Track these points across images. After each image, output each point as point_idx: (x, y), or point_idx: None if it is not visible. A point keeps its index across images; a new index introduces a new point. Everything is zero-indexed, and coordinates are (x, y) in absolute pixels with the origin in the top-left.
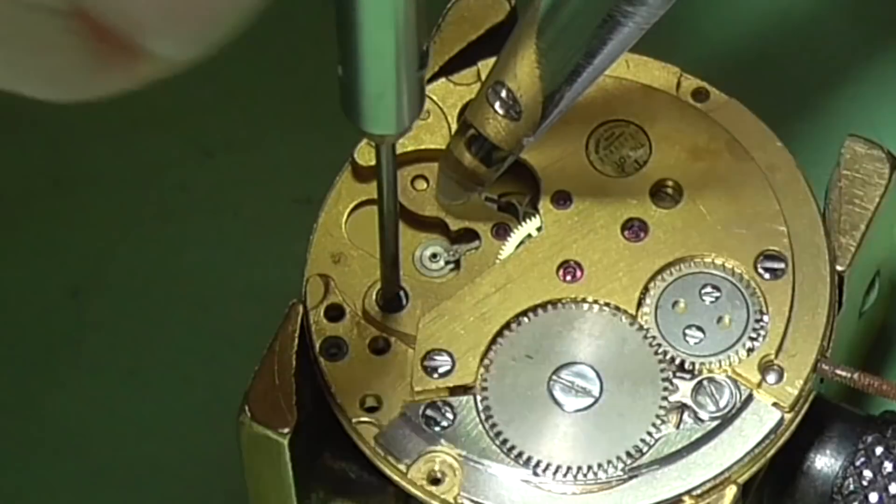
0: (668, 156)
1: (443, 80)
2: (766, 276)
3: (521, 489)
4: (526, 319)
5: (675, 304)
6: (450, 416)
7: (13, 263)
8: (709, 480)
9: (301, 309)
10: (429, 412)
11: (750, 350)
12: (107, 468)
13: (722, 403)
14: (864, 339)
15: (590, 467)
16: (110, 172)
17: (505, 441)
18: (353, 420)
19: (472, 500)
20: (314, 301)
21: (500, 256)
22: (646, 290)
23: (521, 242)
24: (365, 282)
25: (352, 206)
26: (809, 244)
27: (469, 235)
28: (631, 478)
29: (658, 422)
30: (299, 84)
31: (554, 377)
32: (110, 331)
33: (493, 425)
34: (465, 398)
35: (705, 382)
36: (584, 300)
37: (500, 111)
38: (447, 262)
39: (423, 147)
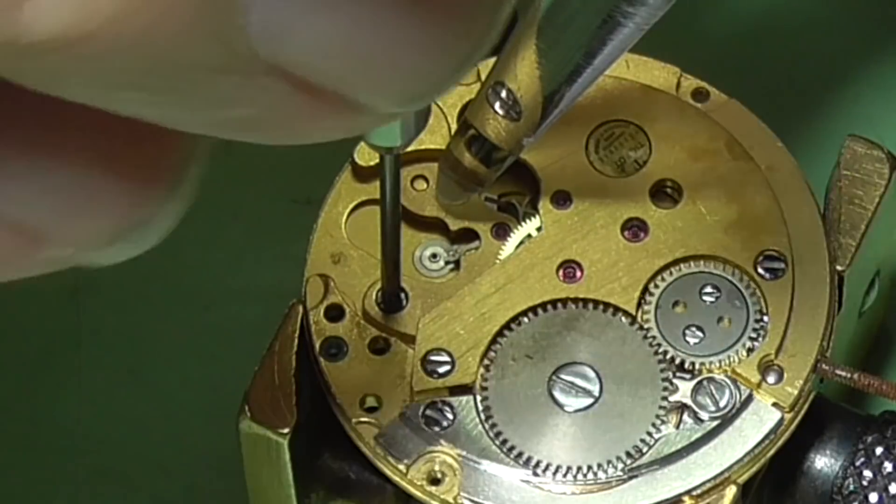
0: (667, 156)
1: None
2: (766, 276)
3: (520, 489)
4: (526, 319)
5: (674, 304)
6: (450, 416)
7: None
8: (709, 480)
9: (301, 309)
10: (429, 412)
11: (750, 350)
12: (107, 468)
13: (722, 403)
14: (864, 339)
15: (589, 467)
16: None
17: (505, 441)
18: (353, 420)
19: (471, 501)
20: (314, 301)
21: (500, 256)
22: (645, 290)
23: (521, 242)
24: (365, 282)
25: (352, 206)
26: (809, 244)
27: (469, 235)
28: (631, 478)
29: (658, 422)
30: None
31: (554, 377)
32: (110, 331)
33: (493, 425)
34: (464, 398)
35: (705, 382)
36: (583, 300)
37: (501, 111)
38: (447, 263)
39: (422, 147)
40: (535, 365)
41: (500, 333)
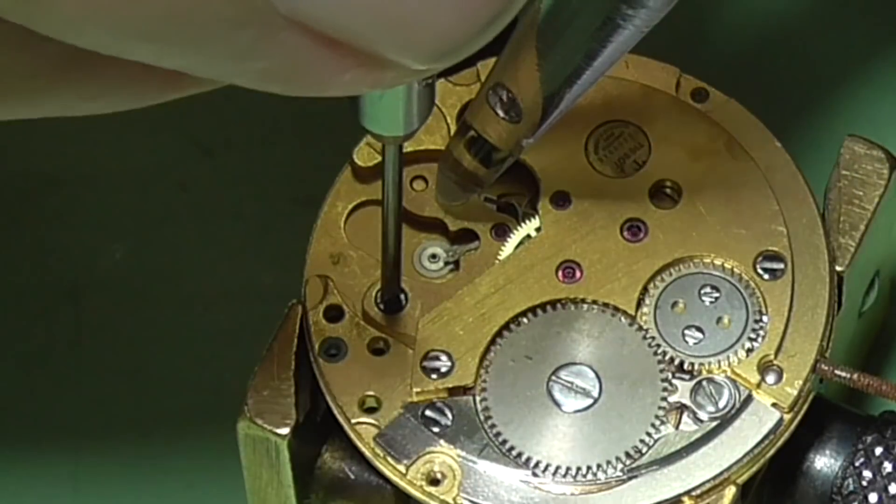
0: (667, 156)
1: (442, 80)
2: (766, 276)
3: (520, 490)
4: (525, 320)
5: (674, 304)
6: (449, 416)
7: (13, 263)
8: (708, 481)
9: (300, 309)
10: (428, 413)
11: (749, 350)
12: (107, 468)
13: (721, 404)
14: (863, 339)
15: (589, 468)
16: (110, 172)
17: (504, 441)
18: (353, 420)
19: (471, 501)
20: (313, 301)
21: (500, 257)
22: (645, 290)
23: (521, 243)
24: (364, 282)
25: (351, 206)
26: (809, 244)
27: (468, 236)
28: (630, 478)
29: (657, 422)
30: None
31: (553, 378)
32: (110, 331)
33: (493, 426)
34: (464, 399)
35: (704, 383)
36: (583, 301)
37: (500, 113)
38: (446, 263)
39: (422, 147)
40: (534, 365)
41: (499, 334)
